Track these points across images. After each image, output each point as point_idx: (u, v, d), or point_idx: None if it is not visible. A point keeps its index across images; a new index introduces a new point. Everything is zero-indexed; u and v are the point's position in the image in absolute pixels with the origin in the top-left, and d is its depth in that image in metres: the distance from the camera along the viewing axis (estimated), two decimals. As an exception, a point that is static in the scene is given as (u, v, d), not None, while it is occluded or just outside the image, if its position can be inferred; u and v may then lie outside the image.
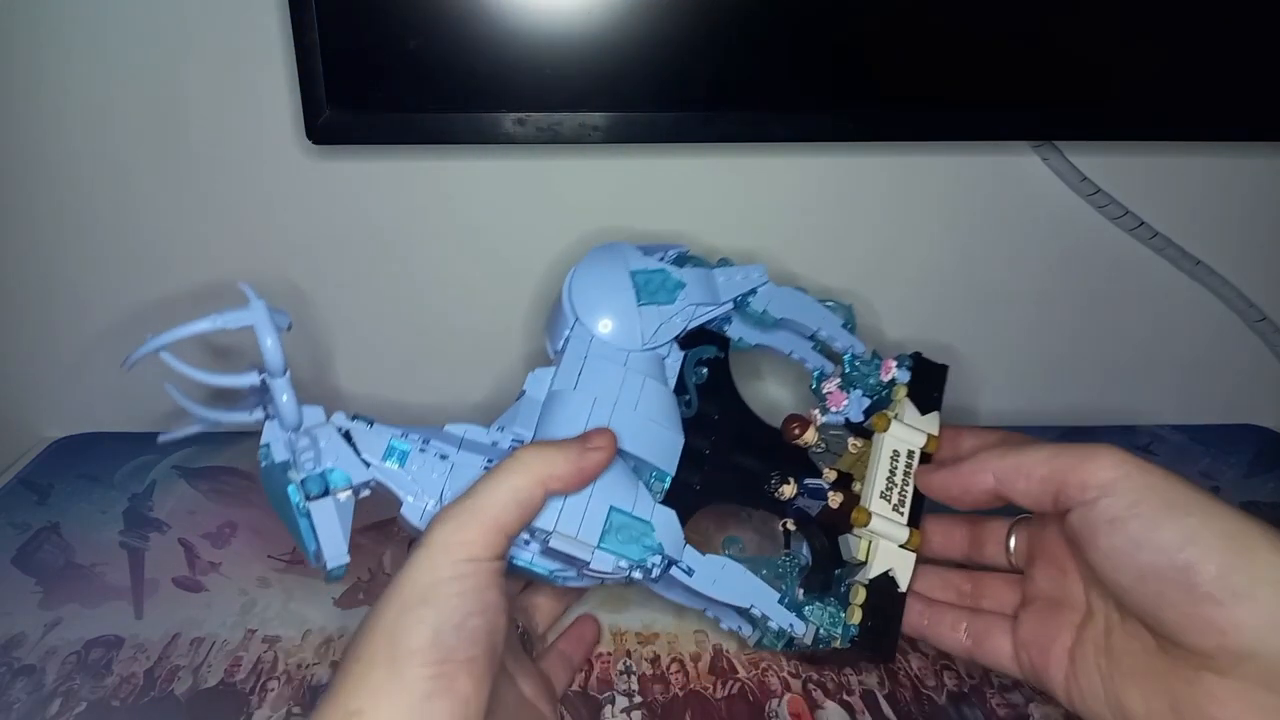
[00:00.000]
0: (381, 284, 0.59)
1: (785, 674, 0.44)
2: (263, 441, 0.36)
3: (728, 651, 0.45)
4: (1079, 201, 0.58)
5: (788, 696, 0.42)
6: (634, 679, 0.43)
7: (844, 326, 0.46)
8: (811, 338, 0.46)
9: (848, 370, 0.45)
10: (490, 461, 0.37)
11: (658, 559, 0.37)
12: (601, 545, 0.36)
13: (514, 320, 0.60)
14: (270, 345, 0.34)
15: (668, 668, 0.44)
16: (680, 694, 0.42)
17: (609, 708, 0.42)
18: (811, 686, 0.43)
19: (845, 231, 0.60)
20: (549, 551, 0.36)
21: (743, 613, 0.41)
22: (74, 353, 0.62)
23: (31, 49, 0.52)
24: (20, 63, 0.52)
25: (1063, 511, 0.32)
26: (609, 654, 0.45)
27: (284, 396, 0.35)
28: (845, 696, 0.42)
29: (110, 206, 0.57)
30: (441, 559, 0.31)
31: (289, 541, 0.53)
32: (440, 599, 0.30)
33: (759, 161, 0.57)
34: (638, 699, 0.42)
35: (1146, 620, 0.30)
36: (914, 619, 0.39)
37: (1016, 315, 0.63)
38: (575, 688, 0.42)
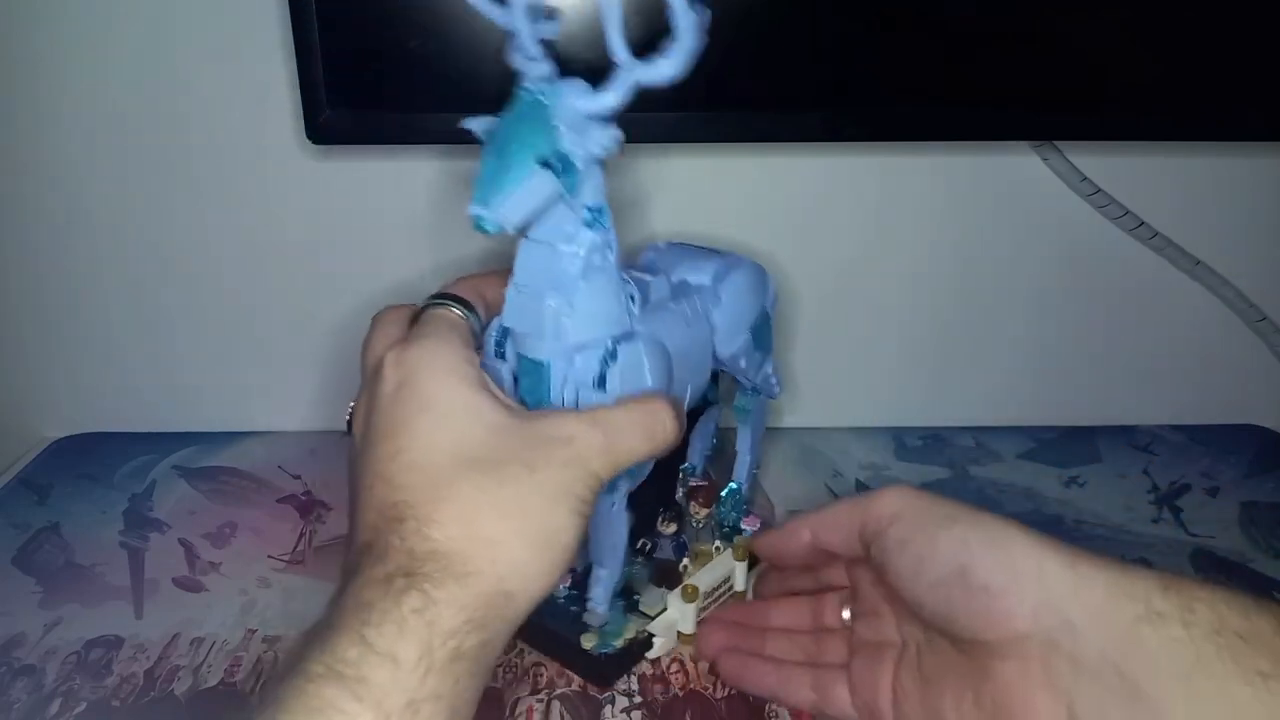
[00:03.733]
0: (381, 284, 0.59)
1: (785, 674, 0.44)
2: (542, 78, 0.34)
3: (728, 651, 0.45)
4: (1079, 201, 0.58)
5: (788, 696, 0.42)
6: (634, 679, 0.43)
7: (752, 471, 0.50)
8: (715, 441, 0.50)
9: (723, 495, 0.48)
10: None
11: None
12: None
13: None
14: None
15: (668, 668, 0.44)
16: (680, 694, 0.42)
17: (609, 708, 0.41)
18: (811, 686, 0.43)
19: (845, 231, 0.60)
20: None
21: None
22: (74, 353, 0.62)
23: (32, 50, 0.52)
24: (21, 64, 0.52)
25: (868, 549, 0.35)
26: (609, 654, 0.45)
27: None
28: (845, 696, 0.42)
29: (110, 206, 0.57)
30: (591, 480, 0.32)
31: (289, 541, 0.53)
32: (579, 517, 0.31)
33: (759, 161, 0.57)
34: (638, 699, 0.42)
35: (942, 626, 0.33)
36: (768, 681, 0.40)
37: (1016, 315, 0.63)
38: (575, 688, 0.42)
